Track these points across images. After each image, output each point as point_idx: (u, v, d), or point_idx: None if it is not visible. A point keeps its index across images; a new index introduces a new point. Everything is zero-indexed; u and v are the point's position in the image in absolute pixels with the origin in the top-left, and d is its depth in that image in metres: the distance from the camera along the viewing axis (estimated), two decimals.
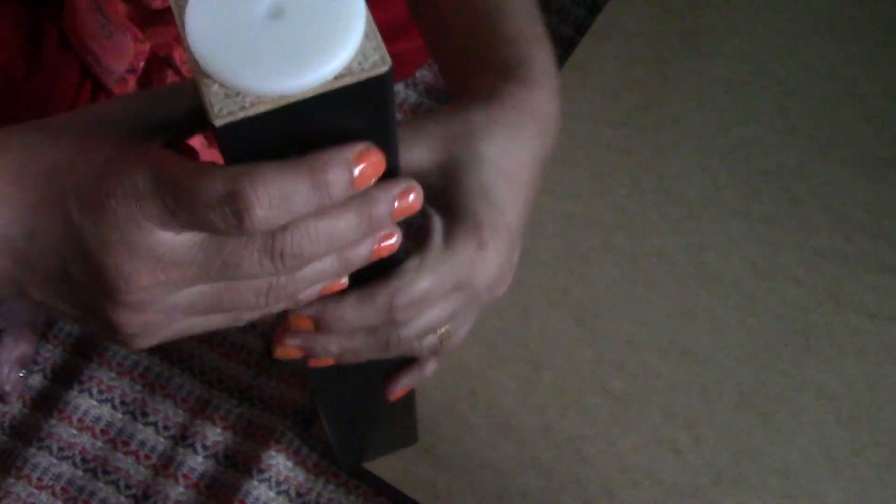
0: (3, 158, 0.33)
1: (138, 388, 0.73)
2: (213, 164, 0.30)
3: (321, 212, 0.31)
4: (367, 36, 0.29)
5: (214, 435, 0.71)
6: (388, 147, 0.32)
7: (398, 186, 0.32)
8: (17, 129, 0.34)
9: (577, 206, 0.75)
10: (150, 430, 0.72)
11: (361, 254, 0.33)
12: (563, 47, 0.87)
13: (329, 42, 0.28)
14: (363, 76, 0.29)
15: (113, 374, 0.73)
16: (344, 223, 0.31)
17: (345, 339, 0.41)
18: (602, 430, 0.67)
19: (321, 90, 0.28)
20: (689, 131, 0.78)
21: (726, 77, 0.81)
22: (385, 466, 0.66)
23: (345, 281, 0.35)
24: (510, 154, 0.43)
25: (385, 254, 0.34)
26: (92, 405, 0.72)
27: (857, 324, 0.71)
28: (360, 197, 0.31)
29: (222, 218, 0.29)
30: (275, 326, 0.75)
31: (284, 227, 0.30)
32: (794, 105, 0.80)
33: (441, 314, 0.41)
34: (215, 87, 0.28)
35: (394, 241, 0.34)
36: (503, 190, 0.42)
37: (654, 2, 0.84)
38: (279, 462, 0.70)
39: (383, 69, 0.29)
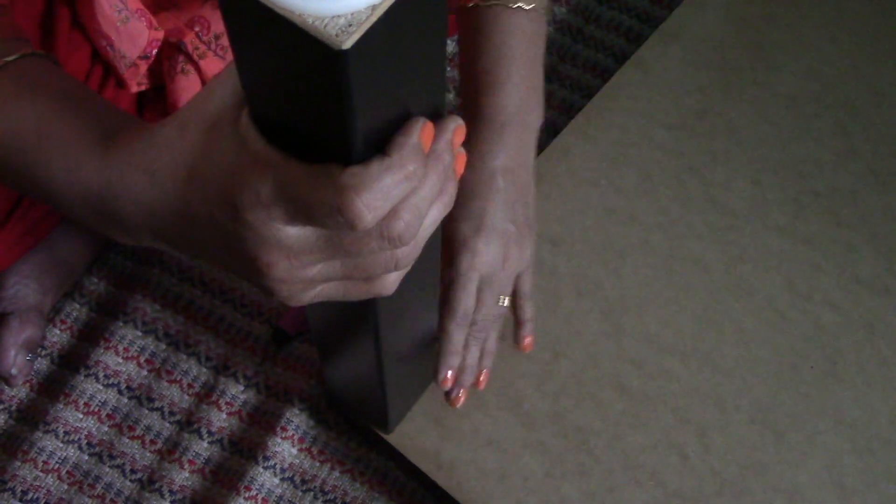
0: (154, 150, 0.38)
1: (144, 373, 0.74)
2: (320, 170, 0.33)
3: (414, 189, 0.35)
4: None
5: (220, 421, 0.72)
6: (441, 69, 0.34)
7: (450, 132, 0.36)
8: (151, 126, 0.39)
9: (619, 202, 0.75)
10: (155, 416, 0.73)
11: (452, 192, 0.38)
12: (629, 39, 0.86)
13: None
14: None
15: (119, 360, 0.74)
16: (430, 185, 0.36)
17: None
18: (612, 425, 0.67)
19: None
20: (743, 142, 0.77)
21: (790, 93, 0.80)
22: (392, 434, 0.67)
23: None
24: (468, 178, 0.61)
25: (462, 170, 0.38)
26: (98, 390, 0.73)
27: (888, 355, 0.69)
28: (432, 156, 0.36)
29: (336, 223, 0.34)
30: (281, 314, 0.76)
31: (391, 214, 0.35)
32: (856, 129, 0.78)
33: (489, 308, 0.62)
34: (311, 21, 0.29)
35: (463, 156, 0.38)
36: (478, 205, 0.61)
37: (728, 9, 0.83)
38: (284, 449, 0.70)
39: None
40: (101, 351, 0.74)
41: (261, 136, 0.34)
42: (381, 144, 0.34)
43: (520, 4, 0.63)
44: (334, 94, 0.30)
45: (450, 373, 0.62)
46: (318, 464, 0.70)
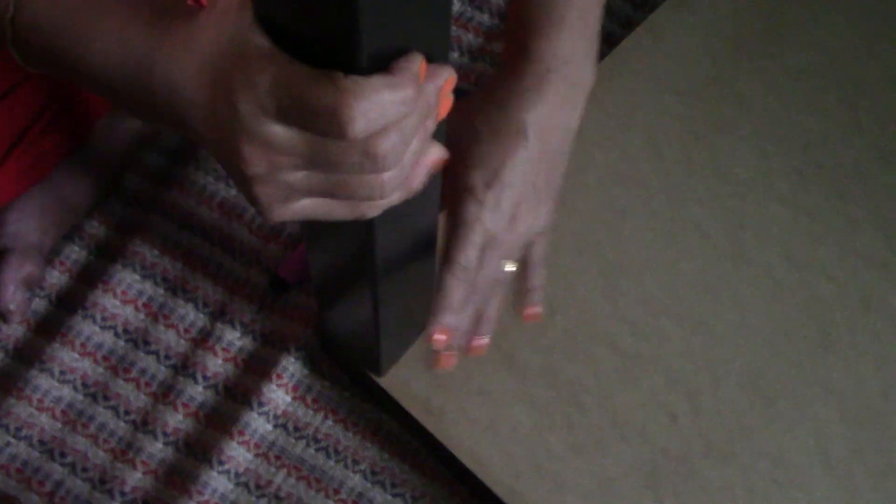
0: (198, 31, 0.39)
1: (142, 317, 0.74)
2: (323, 73, 0.34)
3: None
4: None
5: (215, 366, 0.72)
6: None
7: (441, 77, 0.38)
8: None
9: (624, 164, 0.75)
10: (151, 359, 0.73)
11: (431, 129, 0.39)
12: (634, 6, 0.86)
13: None
14: None
15: (117, 303, 0.74)
16: (415, 116, 0.37)
17: None
18: (603, 381, 0.67)
19: None
20: (751, 112, 0.77)
21: (800, 65, 0.79)
22: (385, 377, 0.67)
23: (445, 153, 0.41)
24: (495, 123, 0.57)
25: (445, 113, 0.40)
26: (95, 331, 0.73)
27: (882, 330, 0.70)
28: (421, 93, 0.37)
29: (328, 124, 0.34)
30: (280, 263, 0.76)
31: (378, 132, 0.35)
32: (864, 105, 0.78)
33: (491, 270, 0.57)
34: None
35: (449, 101, 0.39)
36: (497, 156, 0.56)
37: None
38: (279, 396, 0.70)
39: None
40: (100, 293, 0.74)
41: (265, 34, 0.35)
42: (382, 68, 0.35)
43: None
44: (345, 39, 0.32)
45: (440, 333, 0.56)
46: (311, 412, 0.71)
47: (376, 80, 0.34)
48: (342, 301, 0.60)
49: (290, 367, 0.71)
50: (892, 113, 0.78)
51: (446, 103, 0.39)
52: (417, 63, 0.35)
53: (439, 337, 0.57)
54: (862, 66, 0.80)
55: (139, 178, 0.79)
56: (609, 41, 0.84)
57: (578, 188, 0.73)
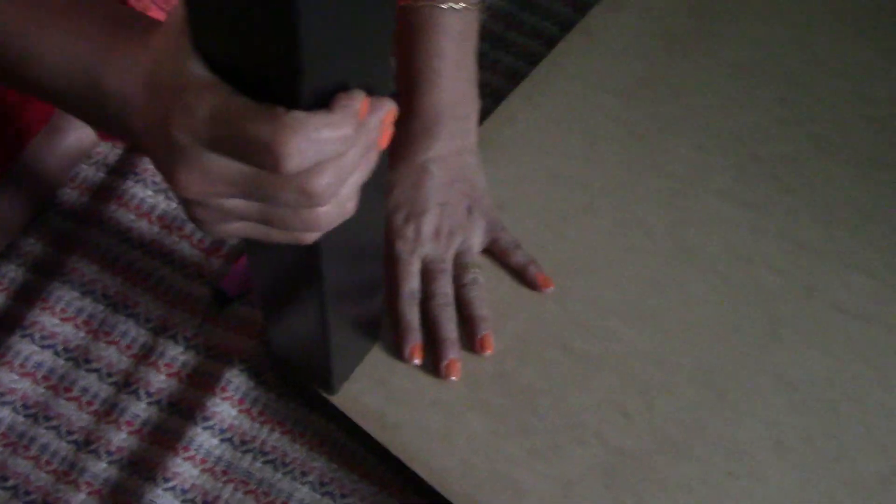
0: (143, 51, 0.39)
1: (82, 334, 0.73)
2: (263, 107, 0.34)
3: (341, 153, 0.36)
4: None
5: (159, 382, 0.71)
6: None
7: (383, 110, 0.38)
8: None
9: (565, 167, 0.75)
10: (93, 377, 0.71)
11: (373, 161, 0.39)
12: (574, 8, 0.87)
13: None
14: None
15: (56, 321, 0.73)
16: (355, 153, 0.37)
17: None
18: (557, 384, 0.67)
19: None
20: (687, 109, 0.78)
21: (733, 60, 0.81)
22: (337, 394, 0.66)
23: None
24: (402, 170, 0.67)
25: (386, 144, 0.40)
26: (34, 351, 0.71)
27: (827, 318, 0.71)
28: (363, 128, 0.37)
29: (263, 158, 0.34)
30: (222, 276, 0.76)
31: (314, 170, 0.35)
32: (798, 97, 0.79)
33: (436, 287, 0.67)
34: None
35: (390, 132, 0.40)
36: (413, 195, 0.66)
37: None
38: (224, 409, 0.69)
39: None
40: (38, 312, 0.72)
41: (203, 63, 0.35)
42: (324, 102, 0.35)
43: (450, 4, 0.66)
44: (286, 36, 0.31)
45: (411, 348, 0.65)
46: (257, 425, 0.70)
47: (316, 119, 0.34)
48: (289, 318, 0.59)
49: (235, 379, 0.70)
50: (825, 102, 0.80)
51: (387, 134, 0.39)
52: (359, 101, 0.35)
53: (413, 354, 0.65)
54: (793, 58, 0.81)
55: (76, 192, 0.78)
56: (549, 43, 0.84)
57: (522, 194, 0.74)
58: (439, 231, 0.65)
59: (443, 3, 0.66)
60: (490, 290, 0.69)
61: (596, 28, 0.81)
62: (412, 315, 0.65)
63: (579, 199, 0.74)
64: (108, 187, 0.78)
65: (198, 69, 0.35)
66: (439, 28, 0.67)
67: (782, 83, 0.80)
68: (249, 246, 0.52)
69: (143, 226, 0.76)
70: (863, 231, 0.74)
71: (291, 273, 0.51)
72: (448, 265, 0.67)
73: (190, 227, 0.76)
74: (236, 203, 0.37)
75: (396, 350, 0.66)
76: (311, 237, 0.40)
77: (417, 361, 0.66)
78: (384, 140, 0.39)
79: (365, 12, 0.34)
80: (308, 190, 0.35)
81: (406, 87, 0.68)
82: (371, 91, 0.37)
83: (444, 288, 0.66)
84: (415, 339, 0.65)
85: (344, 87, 0.35)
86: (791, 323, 0.70)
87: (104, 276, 0.74)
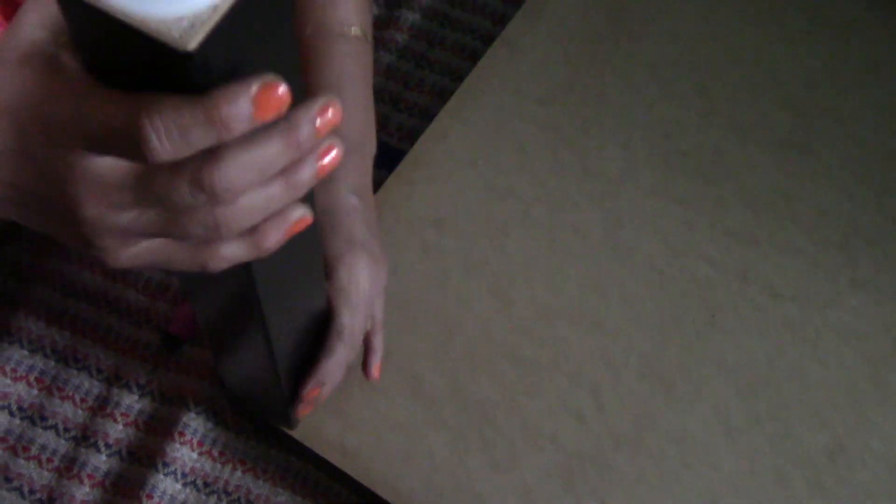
0: None
1: (35, 392, 0.72)
2: (129, 95, 0.31)
3: (246, 141, 0.32)
4: None
5: (116, 432, 0.71)
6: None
7: (315, 105, 0.33)
8: None
9: (498, 178, 0.77)
10: (50, 434, 0.71)
11: (305, 176, 0.34)
12: (494, 21, 0.88)
13: None
14: None
15: (7, 381, 0.72)
16: (272, 149, 0.32)
17: None
18: (509, 394, 0.69)
19: None
20: (612, 110, 0.80)
21: (651, 58, 0.83)
22: (297, 427, 0.67)
23: (309, 216, 0.37)
24: (326, 200, 0.63)
25: (330, 169, 0.35)
26: None
27: (762, 302, 0.73)
28: (283, 122, 0.33)
29: (126, 146, 0.31)
30: (170, 320, 0.76)
31: (210, 157, 0.32)
32: (715, 88, 0.82)
33: (363, 325, 0.63)
34: (154, 24, 0.29)
35: (335, 153, 0.35)
36: (341, 223, 0.63)
37: None
38: (184, 454, 0.70)
39: None
40: None
41: (76, 58, 0.33)
42: None
43: (355, 31, 0.66)
44: (182, 89, 0.31)
45: (316, 389, 0.62)
46: (219, 465, 0.70)
47: (176, 97, 0.31)
48: (238, 357, 0.60)
49: (192, 422, 0.71)
50: (742, 92, 0.82)
51: (330, 150, 0.35)
52: (254, 81, 0.31)
53: (314, 394, 0.63)
54: (709, 50, 0.84)
55: (16, 248, 0.77)
56: (472, 58, 0.85)
57: (458, 209, 0.75)
58: (374, 271, 0.63)
59: (348, 29, 0.65)
60: (435, 307, 0.71)
61: (516, 39, 0.83)
62: (343, 356, 0.63)
63: (515, 209, 0.76)
64: (48, 241, 0.77)
65: (66, 60, 0.33)
66: (350, 56, 0.65)
67: (700, 76, 0.82)
68: (186, 287, 0.52)
69: (87, 276, 0.76)
70: (788, 213, 0.77)
71: (232, 312, 0.52)
72: (376, 305, 0.66)
73: (134, 273, 0.76)
74: (133, 215, 0.34)
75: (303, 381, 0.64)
76: (216, 258, 0.36)
77: (309, 401, 0.64)
78: (329, 165, 0.35)
79: (267, 47, 0.33)
80: (198, 179, 0.32)
81: None
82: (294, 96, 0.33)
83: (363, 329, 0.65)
84: (336, 381, 0.64)
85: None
86: (728, 310, 0.73)
87: (52, 331, 0.74)
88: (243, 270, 0.42)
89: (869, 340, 0.72)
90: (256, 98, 0.31)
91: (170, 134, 0.30)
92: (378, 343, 0.66)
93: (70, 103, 0.32)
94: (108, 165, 0.33)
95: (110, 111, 0.31)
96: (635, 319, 0.72)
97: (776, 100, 0.82)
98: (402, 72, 0.85)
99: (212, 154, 0.32)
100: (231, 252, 0.36)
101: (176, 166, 0.32)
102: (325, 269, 0.61)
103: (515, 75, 0.81)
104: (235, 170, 0.32)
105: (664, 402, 0.69)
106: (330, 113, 0.34)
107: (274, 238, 0.36)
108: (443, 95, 0.84)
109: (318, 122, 0.33)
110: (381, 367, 0.66)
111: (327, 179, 0.57)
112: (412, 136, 0.81)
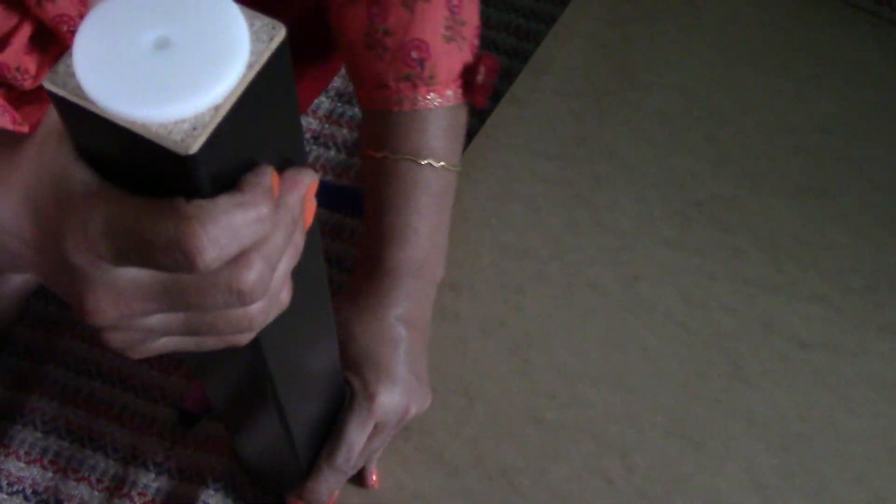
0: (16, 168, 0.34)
1: (50, 475, 0.71)
2: (161, 203, 0.30)
3: (264, 238, 0.32)
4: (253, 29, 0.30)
5: None
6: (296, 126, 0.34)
7: (303, 185, 0.34)
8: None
9: (511, 238, 0.76)
10: None
11: (300, 243, 0.35)
12: (500, 77, 0.88)
13: (226, 52, 0.29)
14: (273, 48, 0.30)
15: (22, 465, 0.71)
16: (280, 234, 0.33)
17: None
18: (534, 460, 0.67)
19: (248, 80, 0.29)
20: (623, 163, 0.79)
21: (660, 109, 0.82)
22: None
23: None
24: (373, 325, 0.63)
25: (311, 221, 0.36)
26: (2, 500, 0.70)
27: (788, 352, 0.72)
28: (282, 208, 0.33)
29: (174, 261, 0.30)
30: (185, 395, 0.75)
31: (241, 262, 0.31)
32: (726, 136, 0.81)
33: (372, 449, 0.63)
34: (155, 129, 0.28)
35: (313, 206, 0.36)
36: (380, 352, 0.62)
37: (590, 35, 0.86)
38: None
39: (281, 33, 0.30)
40: (2, 458, 0.71)
41: (88, 166, 0.31)
42: (229, 186, 0.31)
43: (430, 161, 0.64)
44: (184, 188, 0.30)
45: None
46: None
47: (224, 201, 0.30)
48: (253, 434, 0.59)
49: (211, 499, 0.69)
50: (753, 138, 0.81)
51: (311, 209, 0.35)
52: (268, 175, 0.32)
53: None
54: (716, 98, 0.83)
55: (29, 328, 0.76)
56: (480, 116, 0.85)
57: (473, 271, 0.74)
58: (408, 406, 0.62)
59: (422, 159, 0.64)
60: (453, 372, 0.69)
61: (523, 95, 0.82)
62: (330, 481, 0.62)
63: (530, 268, 0.74)
64: (60, 320, 0.77)
65: (84, 174, 0.31)
66: (418, 185, 0.64)
67: (709, 124, 0.82)
68: (194, 367, 0.51)
69: (99, 354, 0.75)
70: (809, 260, 0.76)
71: (244, 390, 0.51)
72: (397, 431, 0.66)
73: None
74: (158, 319, 0.33)
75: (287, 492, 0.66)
76: (246, 338, 0.36)
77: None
78: (309, 217, 0.36)
79: (269, 136, 0.32)
80: (237, 287, 0.31)
81: (377, 239, 0.65)
82: (283, 166, 0.34)
83: (376, 453, 0.66)
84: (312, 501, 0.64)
85: (250, 167, 0.32)
86: (754, 362, 0.71)
87: (66, 412, 0.73)
88: (252, 348, 0.41)
89: None
90: (272, 188, 0.32)
91: (223, 242, 0.30)
92: (376, 459, 0.66)
93: (100, 213, 0.30)
94: (131, 276, 0.31)
95: (152, 222, 0.30)
96: (659, 376, 0.70)
97: (789, 146, 0.81)
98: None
99: (241, 258, 0.31)
100: (257, 332, 0.36)
101: (208, 275, 0.31)
102: (353, 392, 0.61)
103: (524, 132, 0.81)
104: (264, 266, 0.32)
105: (693, 460, 0.67)
106: (312, 186, 0.35)
107: (288, 295, 0.36)
108: None
109: (306, 200, 0.34)
110: (377, 478, 0.67)
111: (378, 305, 0.63)
112: None
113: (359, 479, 0.66)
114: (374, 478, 0.66)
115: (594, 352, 0.71)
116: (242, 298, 0.32)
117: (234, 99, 0.29)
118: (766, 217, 0.77)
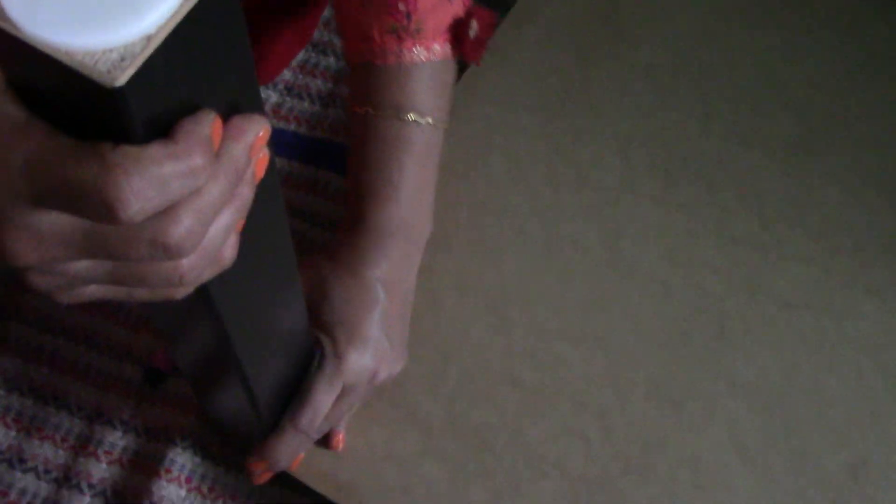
0: None
1: (13, 433, 0.69)
2: (86, 147, 0.28)
3: (197, 190, 0.30)
4: None
5: (100, 472, 0.68)
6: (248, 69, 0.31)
7: (249, 134, 0.32)
8: None
9: (491, 193, 0.73)
10: (30, 477, 0.68)
11: (248, 195, 0.33)
12: None
13: None
14: None
15: None
16: (219, 188, 0.31)
17: None
18: (510, 420, 0.65)
19: (186, 8, 0.27)
20: (607, 117, 0.77)
21: (646, 63, 0.80)
22: None
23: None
24: (349, 284, 0.61)
25: (262, 174, 0.34)
26: None
27: (772, 312, 0.70)
28: (224, 157, 0.31)
29: (95, 208, 0.28)
30: (152, 353, 0.73)
31: (168, 215, 0.29)
32: (714, 92, 0.79)
33: (339, 412, 0.61)
34: (80, 57, 0.26)
35: (265, 157, 0.34)
36: (354, 313, 0.60)
37: None
38: (171, 491, 0.67)
39: None
40: None
41: (20, 102, 0.29)
42: (166, 131, 0.29)
43: (414, 117, 0.62)
44: (114, 130, 0.28)
45: (261, 463, 0.61)
46: (208, 502, 0.67)
47: (153, 151, 0.28)
48: (218, 394, 0.57)
49: (179, 458, 0.67)
50: (742, 94, 0.79)
51: (262, 161, 0.33)
52: (207, 123, 0.29)
53: (256, 468, 0.61)
54: (706, 54, 0.81)
55: None
56: (460, 66, 0.82)
57: (450, 226, 0.72)
58: (378, 369, 0.60)
59: (406, 115, 0.63)
60: (428, 330, 0.67)
61: (505, 45, 0.80)
62: (292, 442, 0.61)
63: (510, 225, 0.72)
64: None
65: (10, 108, 0.29)
66: (401, 142, 0.63)
67: (698, 80, 0.79)
68: (158, 324, 0.49)
69: (64, 311, 0.73)
70: (796, 219, 0.74)
71: (206, 350, 0.48)
72: (366, 397, 0.64)
73: (113, 306, 0.73)
74: (83, 266, 0.31)
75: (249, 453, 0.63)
76: (181, 292, 0.34)
77: (253, 473, 0.63)
78: (260, 169, 0.33)
79: (213, 69, 0.30)
80: (162, 240, 0.30)
81: (359, 196, 0.64)
82: (232, 112, 0.31)
83: (341, 417, 0.63)
84: (273, 461, 0.62)
85: (191, 112, 0.29)
86: (738, 323, 0.69)
87: (29, 370, 0.71)
88: (207, 307, 0.39)
89: (887, 350, 0.68)
90: (212, 137, 0.30)
91: (149, 194, 0.28)
92: (344, 423, 0.64)
93: (21, 151, 0.28)
94: (52, 221, 0.29)
95: (74, 166, 0.28)
96: (640, 336, 0.69)
97: (778, 102, 0.79)
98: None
99: (168, 211, 0.29)
100: (194, 283, 0.34)
101: (132, 227, 0.29)
102: (323, 352, 0.59)
103: (506, 84, 0.78)
104: (194, 221, 0.30)
105: (674, 422, 0.66)
106: (261, 135, 0.32)
107: (231, 253, 0.34)
108: None
109: (253, 146, 0.32)
110: (344, 440, 0.64)
111: (357, 263, 0.61)
112: None
113: (324, 441, 0.64)
114: (341, 438, 0.64)
115: (574, 311, 0.69)
116: (169, 253, 0.30)
117: (169, 28, 0.26)
118: (753, 175, 0.75)
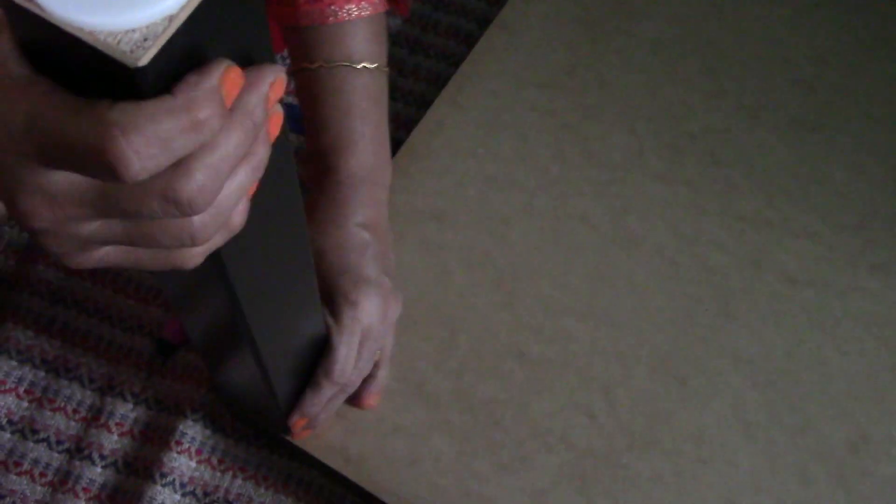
0: None
1: (25, 404, 0.70)
2: (85, 105, 0.27)
3: (210, 143, 0.29)
4: None
5: (111, 443, 0.69)
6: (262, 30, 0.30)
7: (264, 82, 0.30)
8: None
9: (498, 168, 0.74)
10: (42, 447, 0.69)
11: (264, 153, 0.32)
12: (489, 2, 0.85)
13: None
14: None
15: None
16: (234, 142, 0.30)
17: None
18: (517, 394, 0.66)
19: None
20: (615, 93, 0.77)
21: (654, 38, 0.80)
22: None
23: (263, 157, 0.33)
24: (336, 235, 0.62)
25: (276, 132, 0.33)
26: None
27: (777, 288, 0.70)
28: (237, 110, 0.30)
29: (97, 167, 0.27)
30: (163, 325, 0.73)
31: (180, 170, 0.29)
32: (723, 68, 0.79)
33: (364, 359, 0.62)
34: (103, 37, 0.26)
35: (279, 115, 0.33)
36: (350, 260, 0.61)
37: None
38: (182, 463, 0.67)
39: None
40: None
41: (25, 60, 0.29)
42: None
43: (364, 64, 0.64)
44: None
45: (302, 420, 0.62)
46: (218, 474, 0.68)
47: (152, 107, 0.27)
48: (229, 367, 0.57)
49: (190, 430, 0.68)
50: (751, 70, 0.79)
51: (277, 118, 0.32)
52: (215, 77, 0.28)
53: (298, 424, 0.62)
54: (714, 29, 0.80)
55: (2, 255, 0.74)
56: (468, 42, 0.82)
57: (458, 202, 0.72)
58: (386, 307, 0.62)
59: (357, 63, 0.64)
60: (436, 304, 0.68)
61: (513, 21, 0.80)
62: (329, 392, 0.62)
63: (517, 200, 0.73)
64: (34, 247, 0.75)
65: (17, 67, 0.28)
66: (356, 89, 0.64)
67: (706, 55, 0.79)
68: (165, 289, 0.50)
69: (75, 283, 0.73)
70: (802, 196, 0.74)
71: (219, 325, 0.49)
72: (385, 337, 0.65)
73: (124, 278, 0.73)
74: (96, 226, 0.31)
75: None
76: (191, 259, 0.33)
77: (295, 431, 0.64)
78: (275, 127, 0.32)
79: (232, 47, 0.30)
80: (174, 196, 0.29)
81: (325, 151, 0.65)
82: (248, 59, 0.30)
83: (367, 367, 0.64)
84: (312, 415, 0.63)
85: (203, 61, 0.29)
86: (743, 299, 0.70)
87: (41, 341, 0.72)
88: (221, 278, 0.39)
89: (890, 326, 0.69)
90: (224, 89, 0.29)
91: (150, 152, 0.27)
92: (381, 374, 0.65)
93: (22, 110, 0.28)
94: (62, 181, 0.29)
95: (73, 124, 0.27)
96: (646, 311, 0.69)
97: (785, 78, 0.79)
98: (395, 58, 0.82)
99: (180, 166, 0.29)
100: (206, 248, 0.33)
101: (143, 182, 0.29)
102: (333, 305, 0.60)
103: (513, 59, 0.78)
104: (207, 176, 0.29)
105: (678, 397, 0.66)
106: (277, 85, 0.31)
107: (241, 216, 0.33)
108: (438, 82, 0.80)
109: (270, 97, 0.31)
110: (378, 398, 0.66)
111: (338, 215, 0.63)
112: (408, 125, 0.78)
113: (358, 401, 0.66)
114: (372, 397, 0.65)
115: (580, 286, 0.70)
116: (181, 208, 0.29)
117: (190, 8, 0.27)
118: (759, 151, 0.76)
